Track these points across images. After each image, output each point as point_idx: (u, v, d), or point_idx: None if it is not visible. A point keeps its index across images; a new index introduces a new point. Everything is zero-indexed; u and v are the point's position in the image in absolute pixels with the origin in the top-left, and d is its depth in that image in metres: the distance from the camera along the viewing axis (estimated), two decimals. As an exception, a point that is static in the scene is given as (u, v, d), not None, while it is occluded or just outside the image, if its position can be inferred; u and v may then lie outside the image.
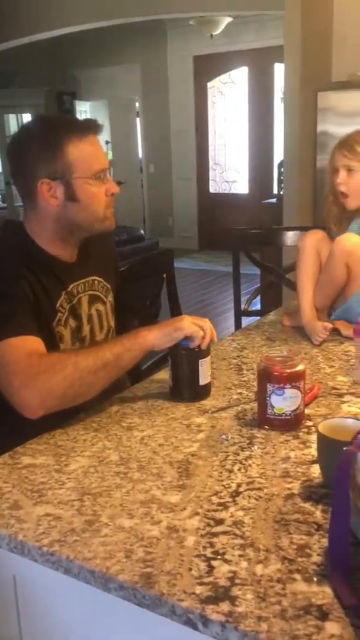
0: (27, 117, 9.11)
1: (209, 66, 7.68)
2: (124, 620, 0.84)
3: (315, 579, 0.78)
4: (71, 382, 1.20)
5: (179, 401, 1.34)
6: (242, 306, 2.89)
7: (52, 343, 1.33)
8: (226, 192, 8.14)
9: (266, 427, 1.20)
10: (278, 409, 1.18)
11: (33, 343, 1.24)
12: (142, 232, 4.86)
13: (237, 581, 0.78)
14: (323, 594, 0.76)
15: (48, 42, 6.38)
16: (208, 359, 1.35)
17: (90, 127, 1.36)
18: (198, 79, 7.81)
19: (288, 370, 1.18)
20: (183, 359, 1.33)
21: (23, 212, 1.43)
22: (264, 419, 1.20)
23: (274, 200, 5.09)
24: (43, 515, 0.94)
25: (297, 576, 0.79)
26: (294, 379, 1.18)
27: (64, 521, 0.92)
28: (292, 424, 1.19)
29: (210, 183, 8.19)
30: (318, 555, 0.83)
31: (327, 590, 0.76)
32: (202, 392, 1.36)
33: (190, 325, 1.29)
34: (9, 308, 1.27)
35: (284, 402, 1.18)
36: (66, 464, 1.09)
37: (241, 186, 8.01)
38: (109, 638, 0.88)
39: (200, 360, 1.34)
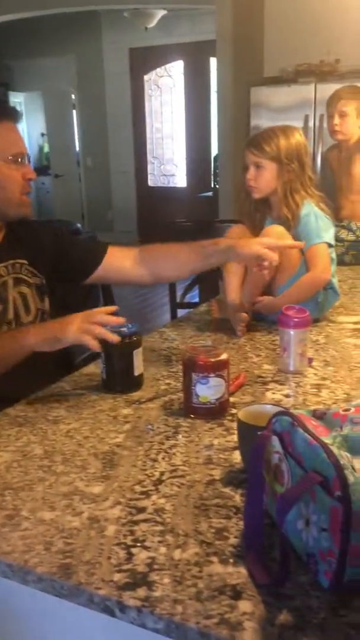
0: None
1: (144, 59, 7.65)
2: (45, 612, 0.84)
3: (231, 560, 0.80)
4: None
5: (113, 393, 1.33)
6: (178, 299, 2.92)
7: None
8: (165, 185, 8.15)
9: (192, 416, 1.21)
10: (203, 398, 1.20)
11: None
12: (79, 226, 4.81)
13: (155, 567, 0.79)
14: (238, 574, 0.78)
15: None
16: (140, 349, 1.36)
17: (9, 114, 1.42)
18: (134, 71, 7.77)
19: (212, 360, 1.20)
20: (116, 350, 1.33)
21: None
22: (189, 408, 1.22)
23: (210, 193, 5.14)
24: None
25: (214, 559, 0.81)
26: (218, 368, 1.20)
27: (-17, 517, 0.91)
28: (216, 412, 1.21)
29: (149, 177, 8.18)
30: (235, 537, 0.85)
31: (242, 570, 0.79)
32: (136, 383, 1.36)
33: (74, 336, 1.26)
34: None
35: (208, 390, 1.20)
36: (-12, 459, 1.08)
37: (180, 180, 8.04)
38: (30, 631, 0.88)
39: (134, 351, 1.34)
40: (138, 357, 1.34)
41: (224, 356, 1.21)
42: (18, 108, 8.72)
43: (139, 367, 1.35)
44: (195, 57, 7.36)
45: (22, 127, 8.84)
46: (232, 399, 1.27)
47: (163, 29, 6.83)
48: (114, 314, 1.33)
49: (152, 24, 6.50)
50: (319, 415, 0.86)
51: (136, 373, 1.35)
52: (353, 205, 2.59)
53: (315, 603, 0.73)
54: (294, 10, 4.21)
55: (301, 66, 4.11)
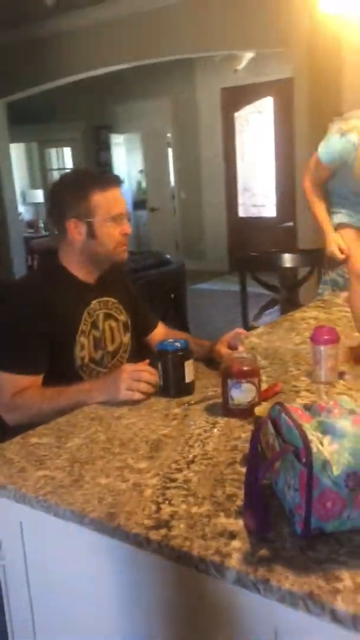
0: (67, 151, 9.67)
1: (235, 97, 8.04)
2: (95, 546, 1.12)
3: (233, 515, 1.05)
4: (34, 418, 1.56)
5: (168, 397, 1.61)
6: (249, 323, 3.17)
7: (70, 352, 1.72)
8: (255, 216, 8.43)
9: (228, 415, 1.47)
10: (237, 400, 1.46)
11: (25, 383, 1.64)
12: (169, 256, 5.17)
13: (176, 517, 1.06)
14: (237, 524, 1.03)
15: (87, 78, 6.82)
16: (191, 360, 1.64)
17: (112, 181, 1.76)
18: (225, 109, 8.18)
19: (244, 368, 1.45)
20: (170, 361, 1.62)
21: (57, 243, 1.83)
22: (226, 409, 1.48)
23: (290, 223, 5.35)
24: (42, 477, 1.23)
25: (222, 514, 1.06)
26: (249, 375, 1.45)
27: (56, 480, 1.21)
28: (248, 413, 1.45)
29: (240, 207, 8.51)
30: (241, 501, 1.09)
31: (241, 522, 1.03)
32: (187, 389, 1.63)
33: (125, 395, 1.55)
34: (24, 345, 1.66)
35: (241, 394, 1.45)
36: (65, 442, 1.39)
37: (269, 210, 8.30)
38: (80, 562, 1.16)
39: (185, 362, 1.62)
40: (189, 367, 1.62)
41: (254, 366, 1.46)
42: (119, 148, 9.41)
43: (189, 375, 1.62)
44: (283, 93, 7.63)
45: (123, 166, 9.49)
46: (265, 403, 1.51)
47: (252, 69, 7.19)
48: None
49: (241, 65, 6.89)
50: (307, 407, 1.09)
51: (187, 380, 1.62)
52: None
53: (289, 545, 0.96)
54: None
55: (377, 101, 4.27)
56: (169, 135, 8.95)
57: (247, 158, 8.34)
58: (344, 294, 2.42)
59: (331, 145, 2.23)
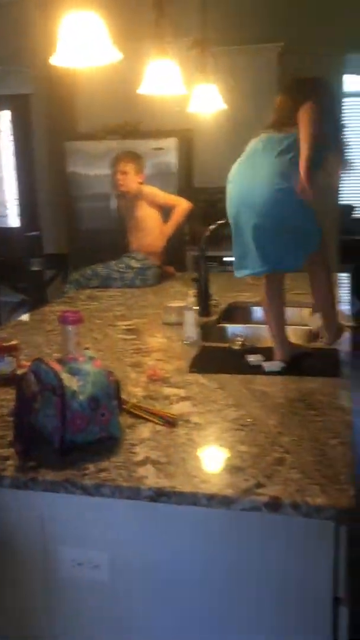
0: None
1: (-27, 107, 8.06)
2: None
3: (6, 447, 1.35)
4: None
5: None
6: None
7: None
8: (-1, 225, 8.53)
9: (-5, 384, 1.75)
10: (1, 371, 1.75)
11: None
12: None
13: None
14: (9, 452, 1.33)
15: None
16: None
17: None
18: None
19: (5, 344, 1.75)
20: None
21: None
22: (-8, 379, 1.76)
23: (37, 232, 5.68)
24: None
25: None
26: (11, 350, 1.75)
27: None
28: (11, 380, 1.75)
29: (-18, 217, 8.52)
30: (12, 438, 1.40)
31: (12, 451, 1.34)
32: None
33: None
34: None
35: (5, 366, 1.75)
36: None
37: (12, 220, 8.47)
38: None
39: None
40: None
41: (14, 342, 1.77)
42: None
43: None
44: (21, 108, 7.91)
45: None
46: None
47: (-10, 81, 7.32)
48: None
49: (-22, 77, 6.97)
50: (59, 360, 1.45)
51: None
52: (138, 240, 3.29)
53: (51, 457, 1.30)
54: (102, 79, 4.94)
55: (108, 126, 4.84)
56: None
57: (-12, 168, 8.40)
58: None
59: None
